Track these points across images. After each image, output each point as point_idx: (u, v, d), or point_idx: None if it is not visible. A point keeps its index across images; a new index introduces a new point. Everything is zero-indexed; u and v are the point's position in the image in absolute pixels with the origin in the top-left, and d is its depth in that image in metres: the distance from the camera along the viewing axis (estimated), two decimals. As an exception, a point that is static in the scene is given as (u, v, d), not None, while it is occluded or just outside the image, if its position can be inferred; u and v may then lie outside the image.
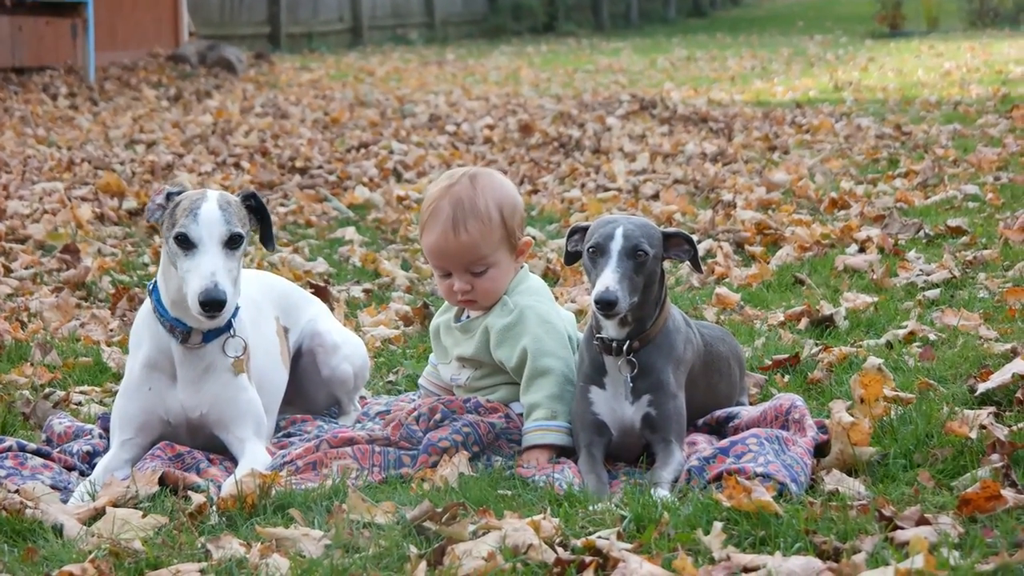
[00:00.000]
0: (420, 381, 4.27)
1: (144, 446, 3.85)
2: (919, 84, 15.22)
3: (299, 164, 10.24)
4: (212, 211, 3.68)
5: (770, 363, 4.53)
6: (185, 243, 3.67)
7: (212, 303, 3.60)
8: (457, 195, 3.91)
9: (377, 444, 3.79)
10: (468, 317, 4.01)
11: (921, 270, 5.79)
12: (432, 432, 3.76)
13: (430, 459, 3.69)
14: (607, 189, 8.91)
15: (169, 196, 3.80)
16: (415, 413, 3.86)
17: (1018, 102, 12.04)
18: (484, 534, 3.02)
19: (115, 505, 3.41)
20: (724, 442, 3.61)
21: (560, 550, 2.95)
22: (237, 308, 3.86)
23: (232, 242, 3.69)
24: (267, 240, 3.89)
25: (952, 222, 6.68)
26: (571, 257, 3.85)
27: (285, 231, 7.90)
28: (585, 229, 3.74)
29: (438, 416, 3.82)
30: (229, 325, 3.83)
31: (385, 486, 3.58)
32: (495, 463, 3.73)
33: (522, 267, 4.02)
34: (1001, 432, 3.47)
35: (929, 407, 3.76)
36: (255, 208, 3.84)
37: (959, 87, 14.39)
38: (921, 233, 6.62)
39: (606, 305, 3.53)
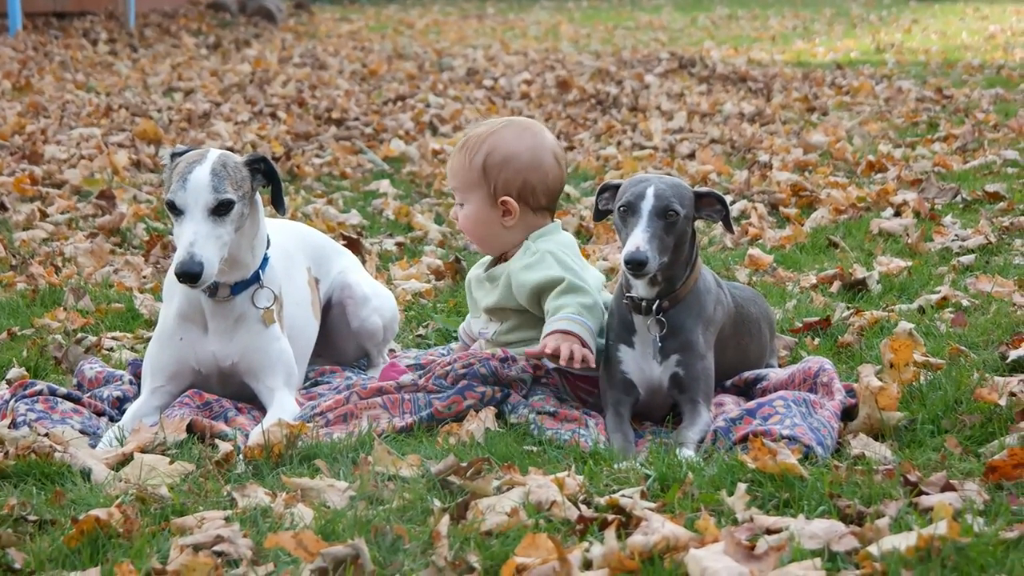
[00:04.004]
0: (461, 327, 4.26)
1: (174, 394, 3.87)
2: (962, 47, 15.05)
3: (336, 115, 10.23)
4: (202, 177, 3.64)
5: (801, 325, 4.51)
6: (174, 209, 3.66)
7: (186, 275, 3.58)
8: (474, 131, 4.04)
9: (406, 391, 3.80)
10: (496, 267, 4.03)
11: (956, 235, 5.74)
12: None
13: (464, 401, 3.70)
14: (643, 147, 8.87)
15: (173, 156, 3.79)
16: (448, 368, 3.85)
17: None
18: (508, 490, 3.03)
19: (143, 451, 3.44)
20: (751, 403, 3.61)
21: (583, 507, 2.95)
22: (267, 258, 3.87)
23: (221, 208, 3.65)
24: (277, 203, 3.87)
25: (990, 187, 6.61)
26: (600, 214, 3.84)
27: (320, 182, 7.91)
28: (616, 187, 3.72)
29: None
30: (257, 276, 3.84)
31: (411, 439, 3.59)
32: (520, 417, 3.72)
33: (552, 223, 4.01)
34: (1031, 400, 3.45)
35: (959, 373, 3.74)
36: (266, 171, 3.81)
37: (1003, 51, 14.22)
38: (958, 198, 6.56)
39: (635, 265, 3.51)
